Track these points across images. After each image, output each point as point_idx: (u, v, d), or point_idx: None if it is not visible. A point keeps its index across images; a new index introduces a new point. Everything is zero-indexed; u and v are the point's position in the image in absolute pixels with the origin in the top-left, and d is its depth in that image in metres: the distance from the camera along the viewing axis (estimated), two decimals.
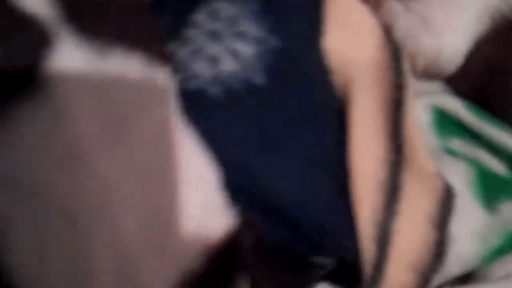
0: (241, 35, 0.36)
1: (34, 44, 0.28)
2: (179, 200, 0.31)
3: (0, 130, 0.27)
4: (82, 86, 0.29)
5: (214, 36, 0.36)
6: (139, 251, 0.29)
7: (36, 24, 0.28)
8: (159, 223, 0.30)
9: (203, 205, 0.32)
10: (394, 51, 0.40)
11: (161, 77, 0.32)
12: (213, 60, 0.35)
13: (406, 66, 0.40)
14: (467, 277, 0.38)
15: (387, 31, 0.41)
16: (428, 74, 0.42)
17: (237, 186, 0.34)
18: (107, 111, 0.30)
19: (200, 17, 0.36)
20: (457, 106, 0.41)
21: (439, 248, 0.37)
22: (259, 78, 0.35)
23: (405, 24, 0.41)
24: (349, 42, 0.39)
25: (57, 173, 0.28)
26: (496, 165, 0.41)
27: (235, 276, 0.32)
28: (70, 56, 0.29)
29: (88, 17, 0.30)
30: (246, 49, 0.36)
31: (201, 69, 0.35)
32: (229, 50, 0.35)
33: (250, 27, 0.36)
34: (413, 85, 0.40)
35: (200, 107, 0.34)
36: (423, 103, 0.41)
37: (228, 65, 0.35)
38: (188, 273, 0.30)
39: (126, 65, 0.30)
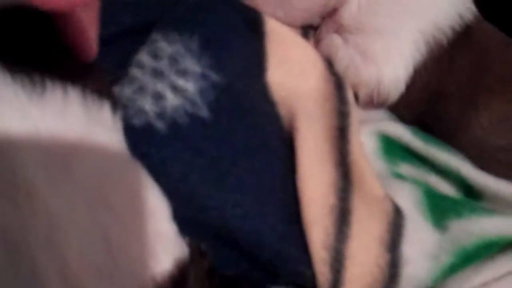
0: (182, 72, 0.37)
1: None
2: (128, 232, 0.31)
3: None
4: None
5: (157, 74, 0.37)
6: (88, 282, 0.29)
7: None
8: (107, 254, 0.30)
9: (153, 237, 0.32)
10: (336, 82, 0.42)
11: (105, 112, 0.33)
12: (158, 97, 0.36)
13: (350, 96, 0.41)
14: None
15: (329, 63, 0.43)
16: (371, 102, 0.43)
17: (186, 217, 0.34)
18: (48, 148, 0.30)
19: (144, 56, 0.38)
20: (402, 132, 0.43)
21: (392, 269, 0.37)
22: (202, 112, 0.36)
23: (345, 56, 0.43)
24: (291, 75, 0.42)
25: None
26: (444, 187, 0.42)
27: None
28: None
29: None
30: (188, 85, 0.37)
31: (146, 105, 0.36)
32: (172, 86, 0.37)
33: (191, 65, 0.38)
34: (358, 114, 0.42)
35: (146, 141, 0.35)
36: (369, 131, 0.43)
37: (171, 101, 0.36)
38: None
39: (65, 100, 0.31)
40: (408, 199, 0.40)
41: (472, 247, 0.38)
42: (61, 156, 0.30)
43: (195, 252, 0.34)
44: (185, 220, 0.34)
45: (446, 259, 0.38)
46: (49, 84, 0.30)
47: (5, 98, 0.28)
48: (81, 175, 0.30)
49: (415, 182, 0.42)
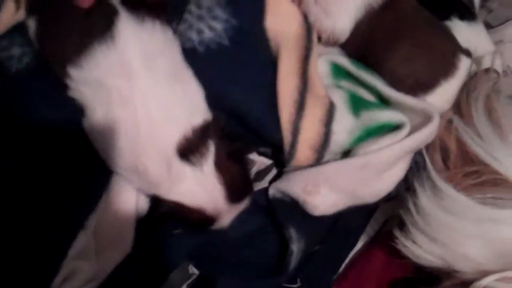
0: (215, 18, 0.62)
1: None
2: (182, 104, 0.59)
3: None
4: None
5: (200, 18, 0.62)
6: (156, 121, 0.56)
7: None
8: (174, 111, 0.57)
9: (194, 107, 0.60)
10: (307, 28, 0.66)
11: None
12: (199, 32, 0.61)
13: (315, 38, 0.67)
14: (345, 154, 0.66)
15: (304, 16, 0.67)
16: (328, 42, 0.68)
17: (211, 100, 0.61)
18: (145, 47, 0.57)
19: (192, 7, 0.63)
20: (345, 61, 0.67)
21: (326, 137, 0.62)
22: (225, 42, 0.62)
23: (314, 12, 0.66)
24: (280, 22, 0.65)
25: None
26: (367, 96, 0.68)
27: (208, 142, 0.60)
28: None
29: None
30: (218, 26, 0.62)
31: (193, 36, 0.61)
32: (208, 26, 0.62)
33: (220, 13, 0.62)
34: (319, 49, 0.68)
35: (192, 58, 0.60)
36: (325, 59, 0.67)
37: (208, 34, 0.61)
38: (184, 138, 0.57)
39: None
40: (340, 99, 0.64)
41: (372, 128, 0.63)
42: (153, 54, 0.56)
43: (214, 117, 0.60)
44: (209, 102, 0.59)
45: (357, 133, 0.63)
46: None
47: None
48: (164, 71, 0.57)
49: (347, 91, 0.65)
